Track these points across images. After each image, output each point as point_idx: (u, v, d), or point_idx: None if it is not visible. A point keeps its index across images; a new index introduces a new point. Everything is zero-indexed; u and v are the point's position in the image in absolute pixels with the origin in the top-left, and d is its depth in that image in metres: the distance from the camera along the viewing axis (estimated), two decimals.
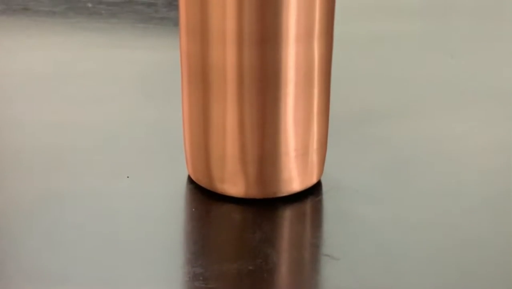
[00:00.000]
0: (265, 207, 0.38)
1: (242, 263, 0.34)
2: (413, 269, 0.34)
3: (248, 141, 0.37)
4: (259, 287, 0.33)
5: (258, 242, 0.35)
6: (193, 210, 0.39)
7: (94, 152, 0.44)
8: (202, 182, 0.39)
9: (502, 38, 0.67)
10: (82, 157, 0.43)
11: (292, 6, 0.35)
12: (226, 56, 0.35)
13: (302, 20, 0.35)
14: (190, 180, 0.40)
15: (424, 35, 0.69)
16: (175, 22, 0.60)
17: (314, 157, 0.39)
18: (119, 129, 0.47)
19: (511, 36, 0.68)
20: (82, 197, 0.39)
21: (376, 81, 0.56)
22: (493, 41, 0.67)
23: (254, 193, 0.38)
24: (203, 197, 0.39)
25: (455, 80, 0.56)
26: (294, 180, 0.38)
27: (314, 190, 0.39)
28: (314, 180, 0.39)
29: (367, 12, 0.75)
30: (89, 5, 0.72)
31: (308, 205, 0.39)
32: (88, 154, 0.44)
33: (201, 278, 0.33)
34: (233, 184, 0.38)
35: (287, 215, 0.38)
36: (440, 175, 0.42)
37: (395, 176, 0.42)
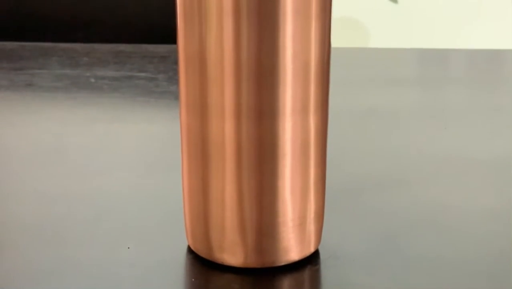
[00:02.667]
0: (264, 276, 0.38)
1: None
2: None
3: (246, 212, 0.37)
4: None
5: None
6: (193, 280, 0.39)
7: (95, 223, 0.44)
8: (202, 252, 0.39)
9: (493, 109, 0.69)
10: (83, 227, 0.44)
11: (288, 82, 0.36)
12: (225, 130, 0.36)
13: (298, 94, 0.36)
14: (190, 250, 0.40)
15: (418, 107, 0.70)
16: (176, 96, 0.61)
17: (311, 226, 0.39)
18: (120, 200, 0.48)
19: (502, 108, 0.69)
20: (83, 267, 0.39)
21: (372, 151, 0.57)
22: (484, 112, 0.68)
23: (252, 262, 0.38)
24: (203, 266, 0.39)
25: (449, 150, 0.57)
26: (292, 249, 0.39)
27: (312, 259, 0.40)
28: (311, 249, 0.40)
29: (362, 84, 0.77)
30: (92, 80, 0.74)
31: (306, 274, 0.39)
32: (89, 225, 0.44)
33: None
34: (232, 254, 0.38)
35: (286, 284, 0.39)
36: (437, 243, 0.42)
37: (392, 245, 0.42)
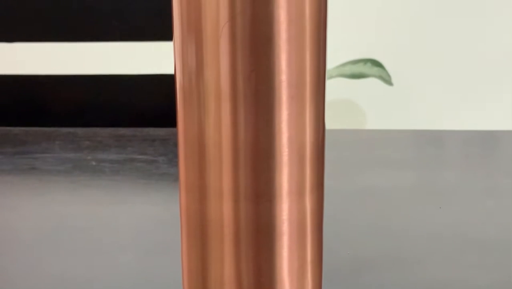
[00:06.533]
0: None
1: None
2: None
3: None
4: None
5: None
6: None
7: None
8: None
9: (489, 190, 0.70)
10: None
11: (284, 164, 0.37)
12: (223, 211, 0.37)
13: (294, 176, 0.37)
14: None
15: (413, 187, 0.71)
16: (175, 178, 0.62)
17: None
18: (120, 283, 0.48)
19: (498, 188, 0.70)
20: None
21: (368, 231, 0.58)
22: (480, 192, 0.69)
23: None
24: None
25: (444, 229, 0.58)
26: None
27: None
28: None
29: (358, 165, 0.78)
30: (93, 163, 0.75)
31: None
32: None
33: None
34: None
35: None
36: None
37: None
